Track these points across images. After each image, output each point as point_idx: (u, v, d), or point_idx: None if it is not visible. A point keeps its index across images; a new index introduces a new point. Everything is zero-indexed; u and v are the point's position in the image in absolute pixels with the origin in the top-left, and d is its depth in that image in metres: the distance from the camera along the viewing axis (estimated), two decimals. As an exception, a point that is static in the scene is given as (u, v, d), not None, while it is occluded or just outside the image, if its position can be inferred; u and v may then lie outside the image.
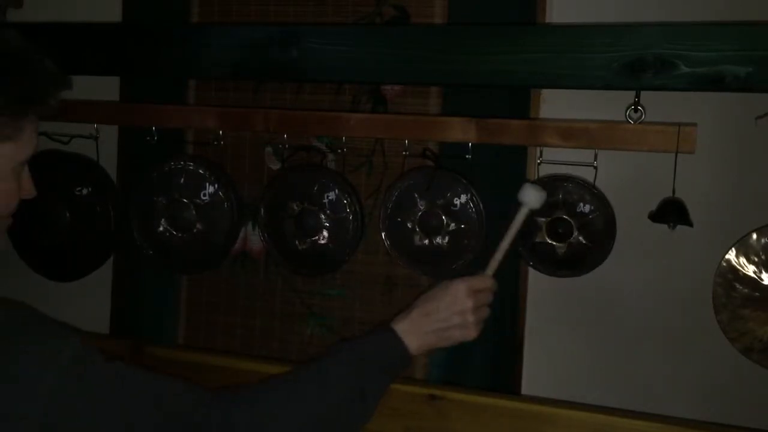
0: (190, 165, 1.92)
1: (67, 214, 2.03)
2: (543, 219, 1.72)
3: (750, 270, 1.63)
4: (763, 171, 1.65)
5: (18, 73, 0.99)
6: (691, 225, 1.59)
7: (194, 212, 1.94)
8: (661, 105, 1.60)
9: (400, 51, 1.65)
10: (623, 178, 1.72)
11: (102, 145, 2.01)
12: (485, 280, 1.32)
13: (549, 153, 1.71)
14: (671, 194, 1.60)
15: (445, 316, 1.27)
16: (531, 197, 1.34)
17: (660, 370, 1.74)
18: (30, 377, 0.95)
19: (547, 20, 1.72)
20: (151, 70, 1.88)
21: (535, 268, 1.75)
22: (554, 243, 1.72)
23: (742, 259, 1.63)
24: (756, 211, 1.64)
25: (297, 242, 1.89)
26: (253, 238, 1.97)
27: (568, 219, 1.71)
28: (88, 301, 2.13)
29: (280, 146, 1.89)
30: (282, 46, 1.71)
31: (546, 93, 1.74)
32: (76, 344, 1.01)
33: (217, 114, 1.87)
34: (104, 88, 2.01)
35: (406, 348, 1.26)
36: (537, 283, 1.78)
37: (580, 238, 1.70)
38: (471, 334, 1.29)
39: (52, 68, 1.03)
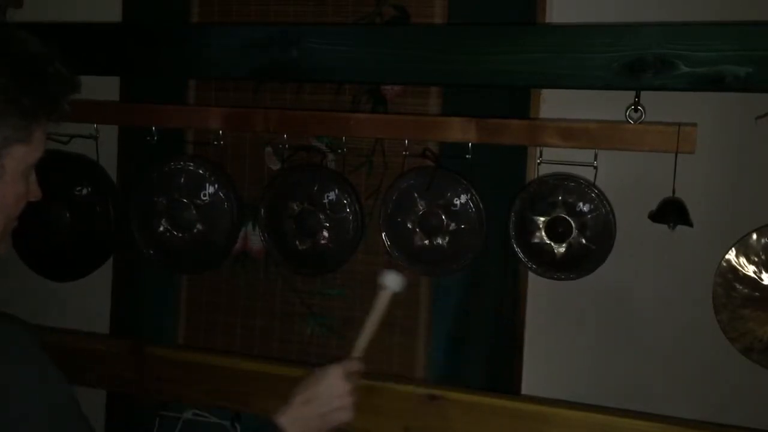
0: (190, 165, 1.92)
1: (67, 214, 2.03)
2: (543, 219, 1.72)
3: (750, 270, 1.63)
4: (763, 171, 1.65)
5: (31, 77, 1.00)
6: (691, 225, 1.59)
7: (194, 212, 1.94)
8: (661, 105, 1.60)
9: (400, 51, 1.65)
10: (623, 178, 1.71)
11: (102, 145, 2.01)
12: (355, 364, 1.36)
13: (549, 153, 1.71)
14: (671, 194, 1.60)
15: (325, 401, 1.31)
16: (392, 281, 1.40)
17: (660, 370, 1.74)
18: (28, 406, 0.97)
19: (547, 20, 1.72)
20: (151, 70, 1.89)
21: (534, 272, 1.74)
22: (554, 243, 1.72)
23: (742, 259, 1.63)
24: (756, 211, 1.64)
25: (297, 242, 1.89)
26: (253, 238, 1.97)
27: (568, 219, 1.71)
28: (88, 301, 2.13)
29: (280, 146, 1.89)
30: (282, 46, 1.71)
31: (546, 93, 1.74)
32: (73, 391, 1.03)
33: (217, 114, 1.87)
34: (104, 88, 2.01)
35: None
36: (537, 283, 1.78)
37: (580, 238, 1.70)
38: (349, 415, 1.33)
39: (64, 72, 1.03)
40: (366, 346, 1.38)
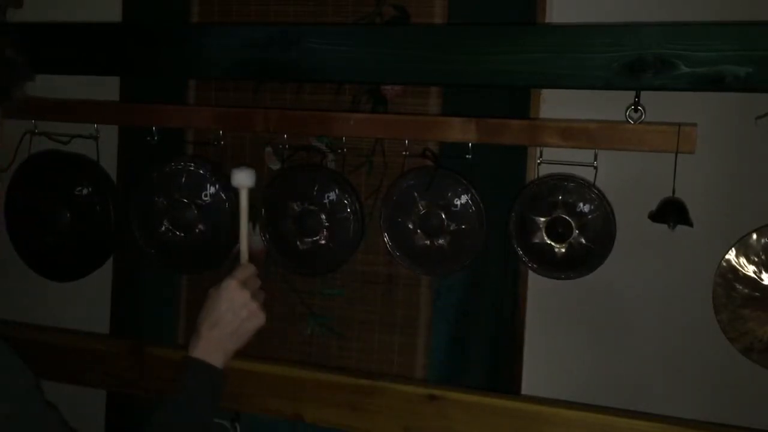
0: (190, 165, 1.92)
1: (67, 214, 2.03)
2: (543, 219, 1.72)
3: (750, 270, 1.63)
4: (763, 171, 1.65)
5: None
6: (691, 225, 1.59)
7: (195, 212, 1.94)
8: (661, 105, 1.60)
9: (400, 51, 1.65)
10: (623, 178, 1.71)
11: (102, 145, 2.01)
12: (246, 269, 1.35)
13: (549, 153, 1.71)
14: (671, 194, 1.60)
15: (232, 316, 1.29)
16: (241, 179, 1.42)
17: (660, 370, 1.74)
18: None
19: (547, 20, 1.72)
20: (151, 70, 1.88)
21: (535, 271, 1.74)
22: (554, 243, 1.72)
23: (742, 259, 1.63)
24: (756, 211, 1.64)
25: (297, 242, 1.89)
26: (253, 238, 1.96)
27: (568, 219, 1.71)
28: (88, 301, 2.13)
29: (280, 146, 1.89)
30: (282, 46, 1.71)
31: (546, 93, 1.74)
32: (43, 400, 1.04)
33: (217, 114, 1.87)
34: (104, 88, 2.01)
35: (215, 367, 1.27)
36: (537, 283, 1.78)
37: (580, 238, 1.70)
38: (261, 318, 1.32)
39: (15, 60, 1.00)
40: (246, 248, 1.37)
